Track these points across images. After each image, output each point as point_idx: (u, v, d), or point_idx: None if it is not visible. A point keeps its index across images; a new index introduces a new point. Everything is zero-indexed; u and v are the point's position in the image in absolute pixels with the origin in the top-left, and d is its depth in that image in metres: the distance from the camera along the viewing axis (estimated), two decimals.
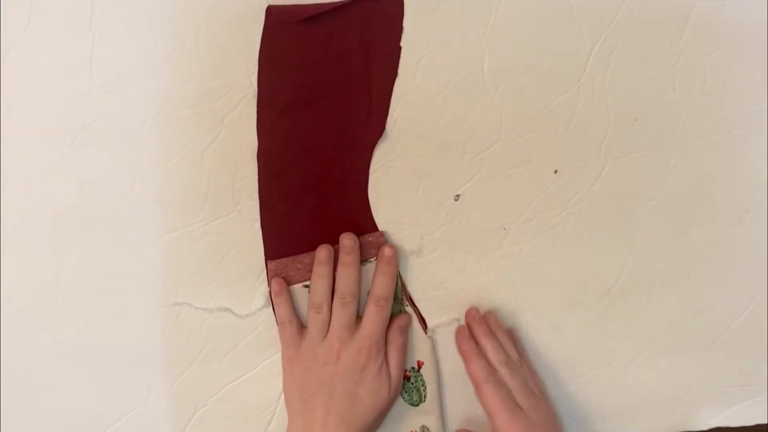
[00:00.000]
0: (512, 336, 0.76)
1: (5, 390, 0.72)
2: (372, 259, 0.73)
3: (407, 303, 0.75)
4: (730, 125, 0.74)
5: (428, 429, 0.76)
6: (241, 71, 0.68)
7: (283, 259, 0.72)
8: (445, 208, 0.73)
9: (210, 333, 0.73)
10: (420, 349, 0.76)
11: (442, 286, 0.75)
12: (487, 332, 0.74)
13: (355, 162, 0.72)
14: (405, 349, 0.74)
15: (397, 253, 0.73)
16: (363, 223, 0.73)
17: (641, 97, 0.73)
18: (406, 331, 0.75)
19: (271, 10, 0.67)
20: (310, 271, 0.73)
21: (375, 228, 0.73)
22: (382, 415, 0.72)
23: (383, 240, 0.73)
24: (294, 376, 0.71)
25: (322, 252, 0.72)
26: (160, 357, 0.72)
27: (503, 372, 0.72)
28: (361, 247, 0.73)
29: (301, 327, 0.73)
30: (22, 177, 0.68)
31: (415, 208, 0.73)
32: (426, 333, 0.75)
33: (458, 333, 0.75)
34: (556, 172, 0.73)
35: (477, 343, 0.74)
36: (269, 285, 0.73)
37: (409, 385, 0.76)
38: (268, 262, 0.73)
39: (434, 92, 0.71)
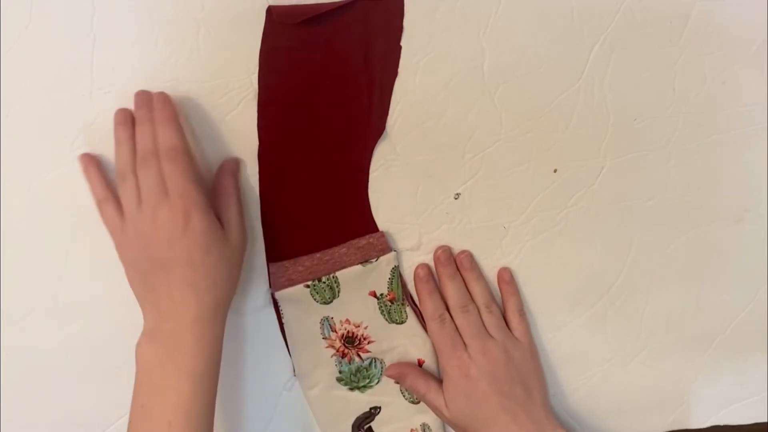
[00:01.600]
0: (503, 274, 0.76)
1: (5, 390, 0.72)
2: (373, 260, 0.73)
3: (407, 302, 0.75)
4: (730, 125, 0.74)
5: (429, 427, 0.76)
6: (241, 71, 0.68)
7: (284, 262, 0.73)
8: (445, 208, 0.74)
9: None
10: (421, 348, 0.76)
11: None
12: (450, 274, 0.74)
13: (355, 161, 0.72)
14: (238, 191, 0.70)
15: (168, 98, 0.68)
16: (363, 223, 0.73)
17: (641, 96, 0.73)
18: (237, 172, 0.70)
19: (271, 11, 0.67)
20: (312, 272, 0.73)
21: (375, 227, 0.73)
22: (232, 268, 0.68)
23: (384, 240, 0.74)
24: (127, 260, 0.66)
25: (119, 114, 0.66)
26: None
27: (456, 313, 0.73)
28: (362, 249, 0.73)
29: (119, 203, 0.66)
30: (22, 177, 0.68)
31: (415, 207, 0.73)
32: (426, 332, 0.75)
33: (417, 270, 0.75)
34: (555, 171, 0.73)
35: (439, 282, 0.75)
36: (271, 287, 0.73)
37: None
38: (269, 264, 0.73)
39: (434, 92, 0.71)
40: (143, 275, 0.65)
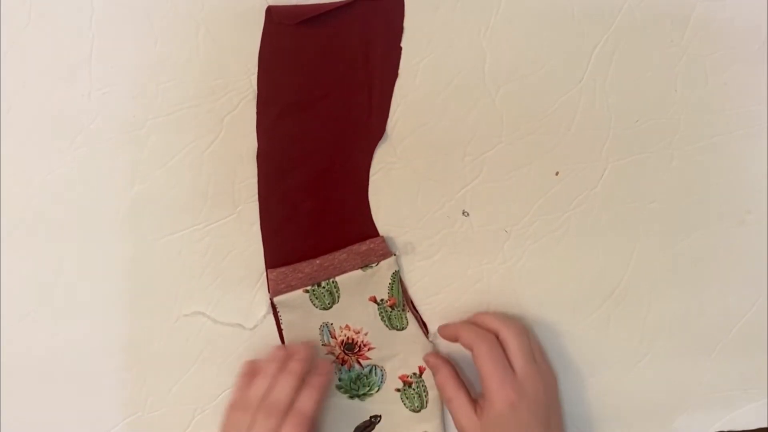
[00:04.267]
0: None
1: (5, 391, 0.72)
2: (373, 265, 0.73)
3: (408, 308, 0.75)
4: (732, 126, 0.74)
5: None
6: (241, 71, 0.68)
7: (283, 269, 0.72)
8: (446, 211, 0.73)
9: (209, 337, 0.73)
10: (421, 355, 0.75)
11: (443, 289, 0.75)
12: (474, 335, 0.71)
13: (355, 163, 0.72)
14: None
15: (332, 370, 0.74)
16: (363, 226, 0.73)
17: (642, 98, 0.73)
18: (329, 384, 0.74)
19: (271, 11, 0.67)
20: (311, 278, 0.73)
21: (375, 231, 0.73)
22: None
23: (384, 246, 0.73)
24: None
25: (276, 352, 0.71)
26: (159, 361, 0.72)
27: (502, 334, 0.70)
28: (362, 254, 0.73)
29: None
30: (22, 177, 0.68)
31: (416, 210, 0.73)
32: (428, 338, 0.75)
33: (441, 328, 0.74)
34: (557, 174, 0.73)
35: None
36: (270, 292, 0.73)
37: (410, 390, 0.75)
38: (268, 271, 0.72)
39: (435, 94, 0.71)
40: None
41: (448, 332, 0.73)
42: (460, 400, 0.70)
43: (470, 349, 0.69)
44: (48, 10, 0.65)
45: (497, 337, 0.70)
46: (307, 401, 0.67)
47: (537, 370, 0.69)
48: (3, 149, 0.67)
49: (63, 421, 0.73)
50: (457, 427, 0.71)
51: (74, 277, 0.71)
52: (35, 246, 0.70)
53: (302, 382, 0.68)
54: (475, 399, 0.70)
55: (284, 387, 0.67)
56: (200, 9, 0.66)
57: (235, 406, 0.69)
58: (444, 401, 0.74)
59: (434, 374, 0.74)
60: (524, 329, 0.71)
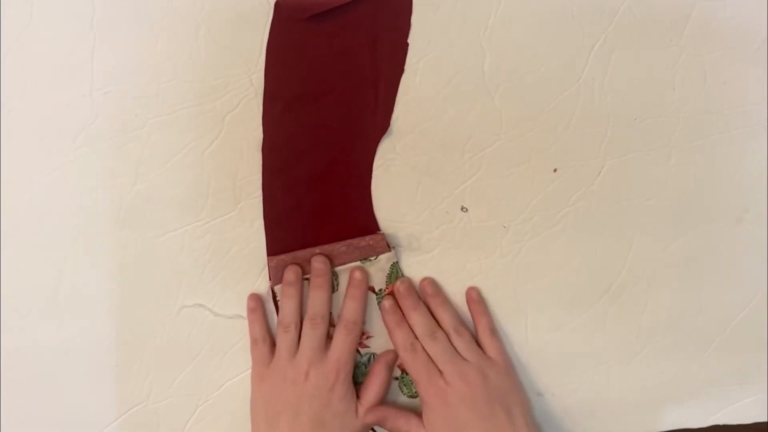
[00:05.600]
0: (471, 294, 0.76)
1: (5, 390, 0.72)
2: (372, 258, 0.73)
3: None
4: (730, 125, 0.74)
5: None
6: (241, 71, 0.68)
7: (282, 256, 0.73)
8: (444, 207, 0.73)
9: (211, 330, 0.74)
10: None
11: (442, 284, 0.75)
12: (412, 305, 0.74)
13: (359, 158, 0.72)
14: (386, 383, 0.75)
15: (366, 277, 0.74)
16: (365, 220, 0.73)
17: (641, 96, 0.72)
18: (391, 367, 0.76)
19: (279, 6, 0.67)
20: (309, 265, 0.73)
21: (376, 225, 0.73)
22: None
23: (384, 243, 0.73)
24: (261, 393, 0.72)
25: (290, 273, 0.72)
26: (162, 354, 0.72)
27: (426, 341, 0.72)
28: (361, 249, 0.73)
29: (273, 345, 0.73)
30: (22, 177, 0.68)
31: (415, 206, 0.73)
32: None
33: (383, 303, 0.75)
34: (555, 171, 0.73)
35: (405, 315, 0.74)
36: (270, 280, 0.73)
37: (407, 378, 0.76)
38: (268, 258, 0.73)
39: (434, 92, 0.71)
40: (273, 414, 0.71)
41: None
42: (414, 426, 0.73)
43: (398, 353, 0.74)
44: (49, 10, 0.65)
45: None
46: (352, 310, 0.73)
47: (466, 367, 0.72)
48: (3, 149, 0.67)
49: (66, 412, 0.74)
50: (414, 380, 0.73)
51: (76, 273, 0.71)
52: (35, 246, 0.70)
53: (329, 293, 0.73)
54: None
55: (322, 299, 0.72)
56: (200, 9, 0.66)
57: (281, 326, 0.73)
58: (402, 350, 0.74)
59: (383, 426, 0.75)
60: (439, 332, 0.73)
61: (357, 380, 0.76)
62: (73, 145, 0.68)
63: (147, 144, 0.69)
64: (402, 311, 0.74)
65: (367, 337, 0.76)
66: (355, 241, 0.73)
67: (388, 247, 0.74)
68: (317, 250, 0.73)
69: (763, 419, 0.79)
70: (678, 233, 0.76)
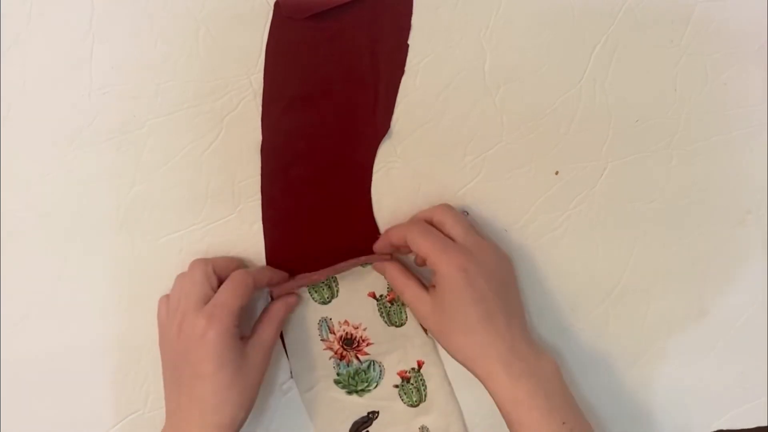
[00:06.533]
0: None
1: (5, 390, 0.72)
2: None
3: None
4: (732, 126, 0.74)
5: (428, 429, 0.76)
6: (241, 71, 0.68)
7: (284, 286, 0.72)
8: None
9: None
10: (421, 349, 0.75)
11: None
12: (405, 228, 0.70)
13: (359, 159, 0.72)
14: (282, 322, 0.71)
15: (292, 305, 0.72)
16: (364, 222, 0.73)
17: (642, 97, 0.73)
18: (293, 307, 0.73)
19: (279, 5, 0.67)
20: (311, 282, 0.73)
21: (375, 227, 0.73)
22: (246, 391, 0.65)
23: (387, 256, 0.73)
24: (162, 359, 0.69)
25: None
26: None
27: (435, 218, 0.69)
28: (362, 261, 0.73)
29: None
30: (22, 177, 0.68)
31: (416, 209, 0.73)
32: (427, 334, 0.75)
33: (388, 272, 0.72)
34: (557, 173, 0.73)
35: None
36: (270, 293, 0.73)
37: (408, 386, 0.76)
38: (271, 290, 0.72)
39: (435, 93, 0.71)
40: (168, 379, 0.67)
41: (382, 245, 0.72)
42: (412, 288, 0.69)
43: (405, 242, 0.68)
44: (48, 10, 0.65)
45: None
46: (225, 294, 0.65)
47: (483, 240, 0.69)
48: (3, 149, 0.67)
49: (64, 419, 0.73)
50: (416, 317, 0.70)
51: (74, 277, 0.71)
52: (35, 246, 0.70)
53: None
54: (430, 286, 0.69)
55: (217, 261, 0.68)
56: (200, 9, 0.66)
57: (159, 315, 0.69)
58: (398, 296, 0.72)
59: (384, 274, 0.72)
60: (453, 208, 0.70)
61: (356, 388, 0.76)
62: (71, 146, 0.68)
63: (146, 145, 0.69)
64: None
65: (368, 344, 0.75)
66: (354, 261, 0.73)
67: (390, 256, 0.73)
68: (315, 276, 0.72)
69: (765, 424, 0.79)
70: (680, 235, 0.76)
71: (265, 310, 0.70)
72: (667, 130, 0.73)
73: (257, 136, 0.70)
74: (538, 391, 0.63)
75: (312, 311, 0.74)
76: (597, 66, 0.71)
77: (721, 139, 0.74)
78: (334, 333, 0.75)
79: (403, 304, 0.75)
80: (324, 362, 0.75)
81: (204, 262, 0.68)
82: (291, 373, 0.75)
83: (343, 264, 0.72)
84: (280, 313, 0.71)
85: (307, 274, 0.72)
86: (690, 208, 0.75)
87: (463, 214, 0.72)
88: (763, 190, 0.75)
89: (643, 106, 0.73)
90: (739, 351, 0.78)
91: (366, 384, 0.76)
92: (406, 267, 0.72)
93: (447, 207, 0.70)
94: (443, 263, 0.65)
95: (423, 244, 0.66)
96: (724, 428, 0.79)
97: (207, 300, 0.65)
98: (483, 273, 0.65)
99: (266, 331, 0.69)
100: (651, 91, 0.73)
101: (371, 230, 0.73)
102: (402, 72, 0.70)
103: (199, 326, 0.63)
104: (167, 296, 0.69)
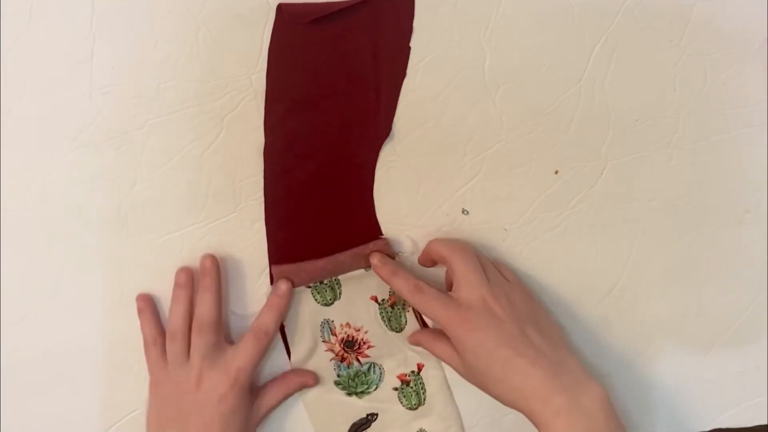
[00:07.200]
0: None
1: (5, 390, 0.72)
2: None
3: (407, 306, 0.75)
4: (731, 125, 0.74)
5: None
6: (241, 71, 0.68)
7: (285, 267, 0.72)
8: (445, 209, 0.73)
9: None
10: (421, 353, 0.75)
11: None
12: (393, 269, 0.71)
13: (361, 161, 0.72)
14: (288, 394, 0.74)
15: (290, 291, 0.72)
16: (366, 223, 0.73)
17: (642, 97, 0.73)
18: (305, 386, 0.75)
19: (282, 9, 0.67)
20: (312, 279, 0.73)
21: (378, 229, 0.73)
22: (250, 418, 0.70)
23: (388, 248, 0.73)
24: (156, 399, 0.70)
25: (181, 275, 0.71)
26: None
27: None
28: (366, 256, 0.73)
29: (164, 348, 0.71)
30: (22, 177, 0.68)
31: (416, 208, 0.73)
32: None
33: (372, 263, 0.72)
34: (556, 172, 0.73)
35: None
36: (272, 286, 0.73)
37: (408, 389, 0.76)
38: (272, 267, 0.72)
39: (435, 93, 0.71)
40: (164, 422, 0.69)
41: (425, 258, 0.73)
42: (431, 293, 0.68)
43: (443, 259, 0.69)
44: (48, 10, 0.65)
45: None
46: (267, 319, 0.71)
47: (511, 283, 0.70)
48: (3, 149, 0.67)
49: (63, 418, 0.73)
50: (432, 318, 0.68)
51: (74, 277, 0.71)
52: (35, 246, 0.70)
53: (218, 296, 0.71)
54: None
55: (208, 302, 0.70)
56: (200, 9, 0.66)
57: (167, 334, 0.71)
58: (409, 294, 0.69)
59: (390, 280, 0.71)
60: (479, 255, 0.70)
61: (356, 390, 0.76)
62: (72, 146, 0.67)
63: (146, 145, 0.68)
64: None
65: (369, 347, 0.75)
66: (359, 250, 0.73)
67: (392, 251, 0.73)
68: (321, 262, 0.73)
69: (764, 422, 0.79)
70: (679, 235, 0.76)
71: (281, 377, 0.74)
72: (667, 129, 0.73)
73: (258, 136, 0.70)
74: (576, 427, 0.61)
75: (314, 313, 0.74)
76: (596, 66, 0.71)
77: (720, 139, 0.74)
78: (335, 335, 0.75)
79: (404, 307, 0.75)
80: (325, 363, 0.75)
81: (211, 322, 0.70)
82: None
83: (342, 255, 0.73)
84: (292, 385, 0.73)
85: (311, 261, 0.72)
86: (689, 207, 0.75)
87: (463, 214, 0.73)
88: (763, 189, 0.75)
89: (643, 105, 0.73)
90: (738, 349, 0.78)
91: (366, 386, 0.76)
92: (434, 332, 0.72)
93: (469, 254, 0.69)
94: (453, 327, 0.66)
95: (425, 309, 0.68)
96: (723, 426, 0.79)
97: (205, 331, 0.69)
98: (492, 323, 0.65)
99: (274, 398, 0.72)
100: (650, 91, 0.73)
101: (373, 231, 0.73)
102: (404, 75, 0.70)
103: (221, 387, 0.67)
104: (154, 340, 0.71)
